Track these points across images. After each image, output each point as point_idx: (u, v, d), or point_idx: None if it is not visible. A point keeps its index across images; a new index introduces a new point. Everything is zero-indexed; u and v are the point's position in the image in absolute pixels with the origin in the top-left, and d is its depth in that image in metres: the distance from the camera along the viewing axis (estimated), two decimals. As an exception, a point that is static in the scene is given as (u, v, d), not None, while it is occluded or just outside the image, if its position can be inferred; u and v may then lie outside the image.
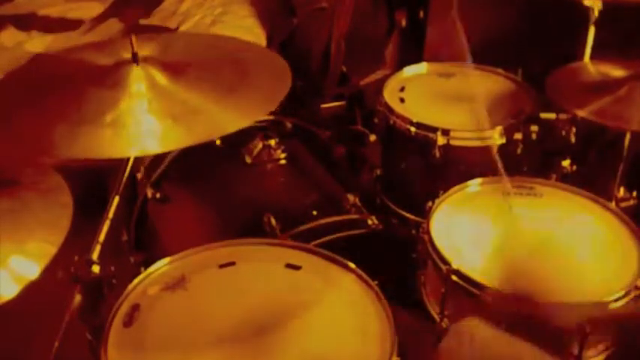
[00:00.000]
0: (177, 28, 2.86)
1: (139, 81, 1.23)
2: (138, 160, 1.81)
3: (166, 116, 1.18)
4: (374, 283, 1.31)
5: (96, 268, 1.25)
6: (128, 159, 1.44)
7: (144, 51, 1.28)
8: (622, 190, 1.75)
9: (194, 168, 1.88)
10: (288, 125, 1.97)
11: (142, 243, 1.88)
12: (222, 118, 1.22)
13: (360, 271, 1.33)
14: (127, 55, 1.26)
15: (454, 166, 1.79)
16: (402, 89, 2.00)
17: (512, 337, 1.25)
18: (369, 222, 1.63)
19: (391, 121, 1.87)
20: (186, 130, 1.17)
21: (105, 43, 1.47)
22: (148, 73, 1.25)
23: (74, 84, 1.27)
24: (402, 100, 1.95)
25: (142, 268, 1.39)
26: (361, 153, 2.29)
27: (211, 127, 1.20)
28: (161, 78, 1.25)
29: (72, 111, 1.18)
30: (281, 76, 1.35)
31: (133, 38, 1.25)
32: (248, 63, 1.38)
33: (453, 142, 1.77)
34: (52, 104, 1.22)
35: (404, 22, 2.83)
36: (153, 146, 1.16)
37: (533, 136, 1.81)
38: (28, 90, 1.30)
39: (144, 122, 1.16)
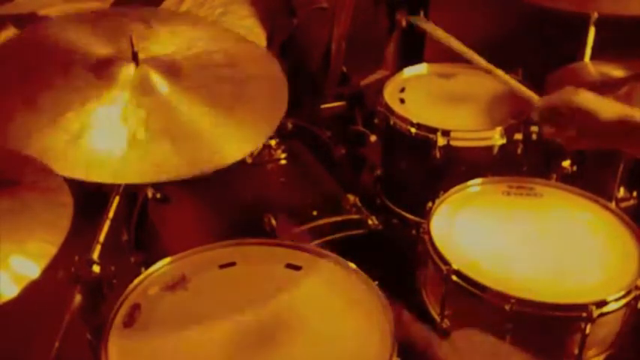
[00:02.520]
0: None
1: (137, 87, 1.22)
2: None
3: (164, 137, 1.16)
4: (374, 283, 1.31)
5: (96, 268, 1.25)
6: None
7: (143, 45, 1.26)
8: (622, 190, 1.75)
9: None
10: (289, 125, 1.97)
11: (142, 243, 1.88)
12: (222, 146, 1.21)
13: (360, 271, 1.34)
14: (126, 47, 1.23)
15: (454, 167, 1.79)
16: (402, 90, 2.00)
17: (509, 346, 1.26)
18: (370, 222, 1.63)
19: (391, 122, 1.87)
20: (185, 160, 1.15)
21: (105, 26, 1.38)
22: (147, 78, 1.23)
23: (69, 70, 1.23)
24: (402, 101, 1.95)
25: (143, 268, 1.39)
26: (361, 153, 2.28)
27: (211, 157, 1.19)
28: (160, 82, 1.24)
29: (69, 117, 1.16)
30: (278, 90, 1.34)
31: (133, 37, 1.24)
32: (247, 69, 1.37)
33: (453, 143, 1.77)
34: (48, 101, 1.19)
35: (404, 23, 2.82)
36: (153, 175, 1.15)
37: (534, 136, 1.81)
38: (18, 68, 1.25)
39: (142, 145, 1.14)
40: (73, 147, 1.11)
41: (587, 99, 1.35)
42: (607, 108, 1.32)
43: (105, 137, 1.14)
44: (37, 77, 1.21)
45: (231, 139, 1.23)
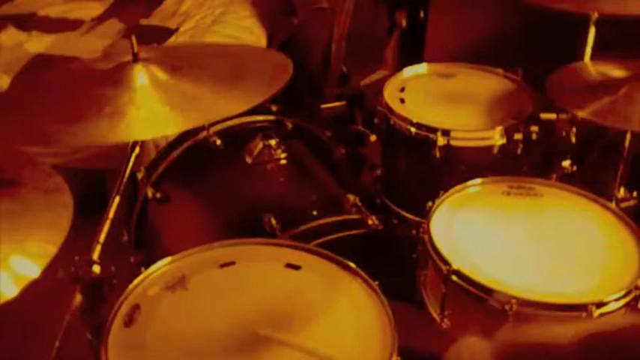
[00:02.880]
0: (178, 28, 2.86)
1: (138, 75, 1.24)
2: (138, 160, 1.81)
3: (164, 104, 1.20)
4: (374, 283, 1.31)
5: (96, 268, 1.25)
6: (128, 159, 1.44)
7: (144, 54, 1.29)
8: (622, 190, 1.75)
9: (194, 168, 1.88)
10: (289, 125, 1.97)
11: (142, 243, 1.88)
12: (220, 103, 1.24)
13: (360, 271, 1.34)
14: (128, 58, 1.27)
15: (454, 167, 1.79)
16: (402, 89, 2.00)
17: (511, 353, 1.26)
18: (370, 222, 1.63)
19: (391, 122, 1.87)
20: (183, 115, 1.20)
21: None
22: (148, 69, 1.26)
23: (75, 85, 1.29)
24: (402, 101, 1.94)
25: (143, 268, 1.39)
26: (362, 153, 2.29)
27: (208, 112, 1.23)
28: (161, 74, 1.26)
29: (72, 107, 1.20)
30: (280, 67, 1.35)
31: (133, 39, 1.25)
32: (247, 59, 1.39)
33: (453, 143, 1.77)
34: (52, 103, 1.24)
35: (404, 22, 2.83)
36: (150, 131, 1.21)
37: (534, 136, 1.81)
38: (28, 92, 1.31)
39: (141, 109, 1.19)
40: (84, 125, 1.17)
41: None
42: None
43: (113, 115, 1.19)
44: (65, 91, 1.32)
45: (229, 100, 1.26)
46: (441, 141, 1.76)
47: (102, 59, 1.47)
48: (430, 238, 1.47)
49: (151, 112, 1.19)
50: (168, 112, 1.19)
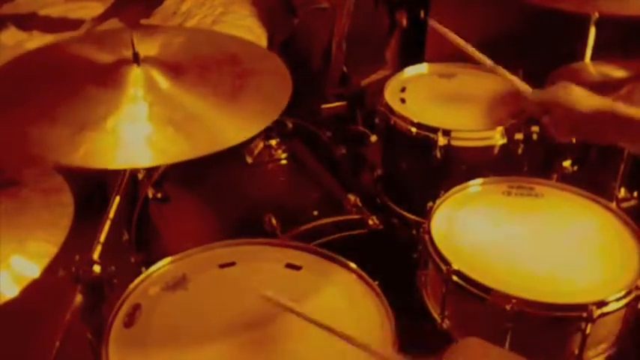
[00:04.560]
0: (178, 28, 2.85)
1: (139, 83, 1.23)
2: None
3: (167, 124, 1.18)
4: (374, 283, 1.31)
5: (97, 268, 1.25)
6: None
7: (144, 47, 1.27)
8: (623, 190, 1.75)
9: (195, 168, 1.88)
10: (289, 125, 1.97)
11: (142, 243, 1.88)
12: (225, 129, 1.22)
13: (360, 271, 1.34)
14: (128, 53, 1.25)
15: (455, 167, 1.79)
16: (403, 89, 2.00)
17: (511, 354, 1.26)
18: (370, 222, 1.63)
19: (392, 122, 1.87)
20: (188, 142, 1.17)
21: (106, 37, 1.46)
22: (149, 75, 1.25)
23: (73, 80, 1.26)
24: (402, 101, 1.94)
25: (143, 268, 1.39)
26: (362, 153, 2.29)
27: (214, 139, 1.19)
28: (162, 80, 1.25)
29: (72, 112, 1.18)
30: (281, 82, 1.35)
31: (134, 37, 1.25)
32: (248, 66, 1.38)
33: (453, 143, 1.77)
34: (51, 101, 1.22)
35: (405, 22, 2.83)
36: (155, 159, 1.17)
37: (534, 136, 1.81)
38: (25, 84, 1.29)
39: (145, 131, 1.16)
40: (84, 140, 1.14)
41: (569, 92, 1.38)
42: (584, 101, 1.36)
43: (114, 132, 1.16)
44: (51, 87, 1.26)
45: (233, 124, 1.24)
46: (442, 141, 1.76)
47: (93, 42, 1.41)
48: (431, 239, 1.47)
49: (154, 133, 1.16)
50: (172, 136, 1.16)
